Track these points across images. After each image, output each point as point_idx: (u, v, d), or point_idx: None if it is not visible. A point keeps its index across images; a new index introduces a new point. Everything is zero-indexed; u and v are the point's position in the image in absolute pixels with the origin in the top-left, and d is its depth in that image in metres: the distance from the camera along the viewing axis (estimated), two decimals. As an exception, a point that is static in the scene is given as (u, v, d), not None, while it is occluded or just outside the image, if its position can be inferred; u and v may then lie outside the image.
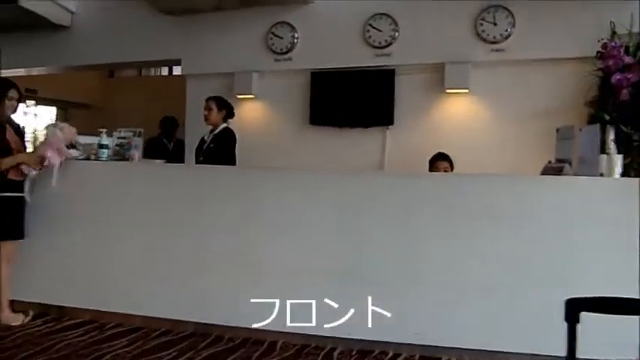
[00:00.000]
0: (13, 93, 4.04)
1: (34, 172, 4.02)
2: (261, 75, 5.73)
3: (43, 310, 4.25)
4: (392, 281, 3.58)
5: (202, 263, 3.96)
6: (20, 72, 7.18)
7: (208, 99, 4.79)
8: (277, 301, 3.73)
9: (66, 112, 11.00)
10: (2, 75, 6.00)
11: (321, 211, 3.77)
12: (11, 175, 3.97)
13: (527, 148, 4.84)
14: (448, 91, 5.08)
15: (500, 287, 3.41)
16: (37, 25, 6.71)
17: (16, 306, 4.10)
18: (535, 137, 4.76)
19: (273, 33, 5.58)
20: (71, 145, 4.15)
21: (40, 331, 3.89)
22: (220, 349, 3.66)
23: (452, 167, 4.51)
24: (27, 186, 4.07)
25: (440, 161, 4.53)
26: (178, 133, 6.83)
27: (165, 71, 10.73)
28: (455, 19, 5.07)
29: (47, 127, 4.15)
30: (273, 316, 3.73)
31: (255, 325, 3.75)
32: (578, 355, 1.71)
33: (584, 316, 1.71)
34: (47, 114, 10.75)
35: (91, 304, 4.17)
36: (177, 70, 9.93)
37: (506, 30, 4.97)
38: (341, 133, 5.37)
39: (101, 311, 4.13)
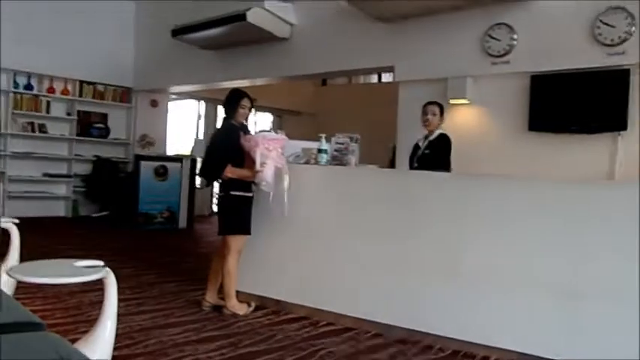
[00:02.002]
0: (245, 102, 4.38)
1: (264, 182, 4.16)
2: (475, 79, 5.54)
3: (262, 303, 4.54)
4: (621, 300, 3.22)
5: (415, 269, 3.92)
6: (245, 83, 7.81)
7: (432, 104, 4.72)
8: (491, 315, 3.59)
9: (280, 119, 11.80)
10: (232, 86, 6.58)
11: (540, 222, 3.52)
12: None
13: None
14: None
15: None
16: (261, 38, 7.25)
17: (239, 297, 4.42)
18: None
19: (489, 35, 5.35)
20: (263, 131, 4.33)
21: (260, 322, 4.17)
22: (430, 357, 3.59)
23: (703, 179, 3.91)
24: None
25: None
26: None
27: (374, 79, 11.00)
28: None
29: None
30: (486, 330, 3.59)
31: (467, 338, 3.64)
32: None
33: None
34: (265, 121, 11.63)
35: (307, 301, 4.36)
36: (385, 77, 10.18)
37: None
38: (563, 139, 4.95)
39: (315, 308, 4.29)
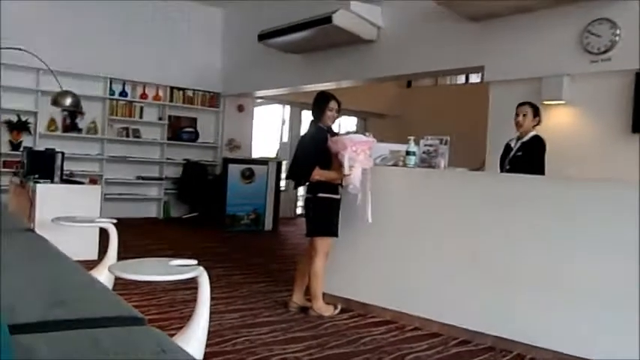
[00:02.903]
0: (332, 104, 4.39)
1: (351, 185, 4.15)
2: (572, 78, 5.25)
3: (348, 305, 4.52)
4: None
5: (507, 275, 3.78)
6: (331, 85, 7.82)
7: (523, 104, 4.55)
8: (591, 327, 3.39)
9: (365, 121, 11.77)
10: (317, 89, 6.61)
11: None
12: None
13: None
14: None
15: None
16: (347, 41, 7.24)
17: (325, 298, 4.43)
18: None
19: (589, 31, 5.06)
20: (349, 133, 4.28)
21: (346, 324, 4.16)
22: (523, 367, 3.48)
23: None
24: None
25: None
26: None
27: (461, 79, 10.77)
28: None
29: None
30: (585, 342, 3.39)
31: (563, 349, 3.46)
32: None
33: None
34: (349, 124, 11.65)
35: (392, 305, 4.31)
36: (473, 78, 9.95)
37: None
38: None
39: (401, 312, 4.25)
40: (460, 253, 4.03)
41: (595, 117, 5.17)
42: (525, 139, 4.50)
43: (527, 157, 4.40)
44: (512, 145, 4.60)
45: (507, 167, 4.51)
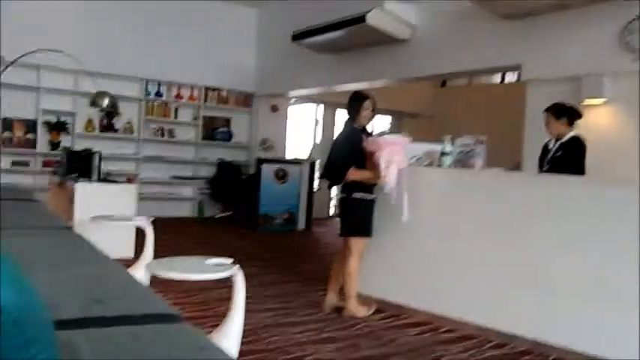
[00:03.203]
0: (367, 104, 4.36)
1: (387, 187, 4.12)
2: (614, 77, 5.13)
3: (382, 306, 4.50)
4: None
5: (543, 278, 3.71)
6: (364, 85, 7.79)
7: (544, 111, 4.49)
8: (625, 330, 3.30)
9: (399, 121, 11.70)
10: (351, 89, 6.59)
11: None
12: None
13: None
14: None
15: None
16: (380, 40, 7.20)
17: (359, 299, 4.40)
18: None
19: (630, 29, 4.93)
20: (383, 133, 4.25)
21: (380, 325, 4.14)
22: (561, 372, 3.41)
23: None
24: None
25: None
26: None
27: (496, 79, 10.62)
28: None
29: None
30: (629, 349, 3.30)
31: (601, 354, 3.37)
32: None
33: None
34: (382, 123, 11.58)
35: (427, 306, 4.28)
36: (508, 77, 9.80)
37: None
38: None
39: (435, 314, 4.21)
40: (495, 253, 3.97)
41: (637, 116, 5.03)
42: (564, 139, 4.39)
43: (566, 158, 4.30)
44: (551, 145, 4.51)
45: (546, 168, 4.42)
